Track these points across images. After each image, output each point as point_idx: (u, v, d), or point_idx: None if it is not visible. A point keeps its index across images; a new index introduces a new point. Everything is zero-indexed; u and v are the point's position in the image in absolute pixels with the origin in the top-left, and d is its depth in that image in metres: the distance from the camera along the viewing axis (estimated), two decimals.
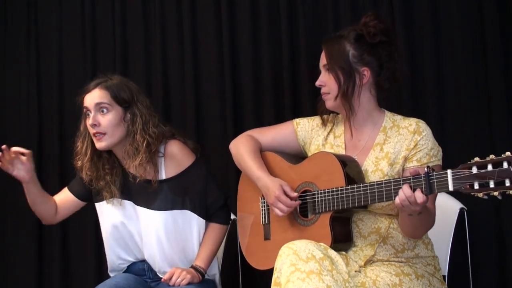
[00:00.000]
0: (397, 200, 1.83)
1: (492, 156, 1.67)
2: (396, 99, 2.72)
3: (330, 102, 2.14)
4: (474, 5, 2.69)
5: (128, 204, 2.41)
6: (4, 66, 3.51)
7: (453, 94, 2.70)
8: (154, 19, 3.23)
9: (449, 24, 2.73)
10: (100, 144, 2.31)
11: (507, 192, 1.63)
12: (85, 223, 2.93)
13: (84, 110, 2.34)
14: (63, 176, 3.31)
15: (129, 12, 3.28)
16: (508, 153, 1.64)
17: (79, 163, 2.40)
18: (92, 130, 2.30)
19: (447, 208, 2.42)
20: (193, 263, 2.39)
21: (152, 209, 2.36)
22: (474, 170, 1.68)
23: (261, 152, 2.32)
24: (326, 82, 2.13)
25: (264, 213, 2.28)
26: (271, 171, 2.24)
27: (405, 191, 1.80)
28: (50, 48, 3.41)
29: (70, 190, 2.51)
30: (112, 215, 2.43)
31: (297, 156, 2.28)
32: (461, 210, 2.41)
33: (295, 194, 2.12)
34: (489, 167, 1.65)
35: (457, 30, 2.71)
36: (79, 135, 2.42)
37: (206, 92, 3.12)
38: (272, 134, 2.34)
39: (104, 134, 2.29)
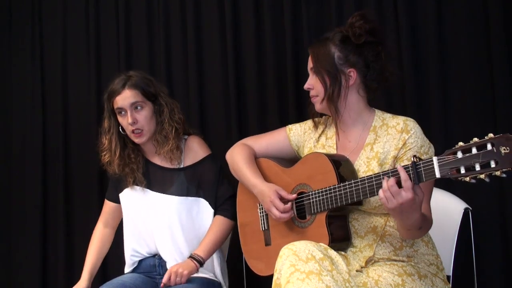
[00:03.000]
0: (380, 193, 1.80)
1: (475, 139, 1.66)
2: (400, 99, 2.71)
3: (317, 104, 2.14)
4: (478, 2, 2.67)
5: (149, 192, 2.50)
6: (9, 65, 3.55)
7: (457, 92, 2.68)
8: (158, 18, 3.26)
9: (454, 22, 2.71)
10: (140, 140, 2.45)
11: (493, 174, 1.62)
12: (90, 223, 2.93)
13: (117, 110, 2.46)
14: (67, 175, 3.33)
15: (133, 11, 3.32)
16: (491, 135, 1.63)
17: (107, 158, 2.52)
18: (130, 128, 2.43)
19: (452, 208, 2.41)
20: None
21: (167, 194, 2.47)
22: (459, 155, 1.67)
23: (256, 159, 2.34)
24: (313, 85, 2.13)
25: (263, 219, 2.29)
26: (266, 177, 2.26)
27: (388, 182, 1.78)
28: (55, 47, 3.46)
29: (110, 200, 2.65)
30: (129, 204, 2.53)
31: (292, 160, 2.28)
32: (466, 210, 2.39)
33: (292, 196, 2.12)
34: (474, 151, 1.65)
35: (462, 28, 2.69)
36: (104, 132, 2.54)
37: (209, 92, 3.14)
38: (266, 141, 2.36)
39: (143, 130, 2.43)
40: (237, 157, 2.33)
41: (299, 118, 2.38)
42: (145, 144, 2.51)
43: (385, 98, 2.69)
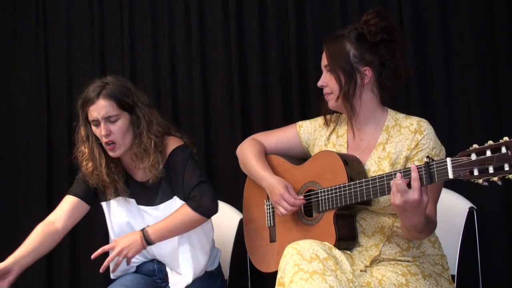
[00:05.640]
0: (392, 182, 1.80)
1: (490, 142, 1.65)
2: (404, 97, 2.71)
3: (332, 102, 2.13)
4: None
5: (133, 202, 2.42)
6: (13, 66, 3.55)
7: (462, 90, 2.68)
8: (162, 20, 3.25)
9: (458, 20, 2.70)
10: (114, 153, 2.32)
11: (506, 177, 1.62)
12: (94, 225, 2.94)
13: (92, 122, 2.32)
14: (72, 175, 3.33)
15: (137, 13, 3.31)
16: (506, 138, 1.62)
17: (92, 167, 2.36)
18: (104, 139, 2.29)
19: (456, 207, 2.40)
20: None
21: (155, 205, 2.38)
22: (473, 156, 1.67)
23: (266, 155, 2.33)
24: (328, 82, 2.11)
25: (269, 216, 2.29)
26: (276, 173, 2.24)
27: (396, 177, 1.78)
28: (59, 48, 3.45)
29: (77, 195, 2.45)
30: (117, 214, 2.43)
31: (301, 158, 2.28)
32: (471, 209, 2.39)
33: (300, 197, 2.12)
34: (488, 153, 1.65)
35: (466, 26, 2.69)
36: (82, 141, 2.39)
37: (214, 93, 3.13)
38: (276, 138, 2.35)
39: (116, 143, 2.29)
40: (247, 151, 2.32)
41: (303, 118, 2.37)
42: (123, 157, 2.39)
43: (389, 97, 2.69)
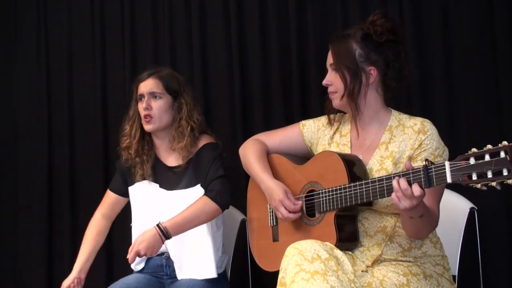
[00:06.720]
0: (393, 195, 1.80)
1: (489, 146, 1.64)
2: (405, 98, 2.71)
3: (336, 101, 2.14)
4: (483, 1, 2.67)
5: (156, 186, 2.54)
6: (14, 66, 3.55)
7: (462, 92, 2.68)
8: (163, 19, 3.25)
9: (458, 20, 2.71)
10: (148, 126, 2.54)
11: (505, 182, 1.60)
12: None
13: (139, 96, 2.58)
14: (73, 175, 3.34)
15: (138, 13, 3.32)
16: (504, 143, 1.61)
17: (126, 143, 2.60)
18: (143, 112, 2.53)
19: (457, 207, 2.40)
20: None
21: (177, 189, 2.50)
22: (472, 161, 1.66)
23: (268, 155, 2.33)
24: (333, 81, 2.12)
25: (272, 215, 2.29)
26: (277, 173, 2.25)
27: (401, 184, 1.78)
28: (60, 48, 3.45)
29: (114, 191, 2.68)
30: (141, 198, 2.56)
31: (304, 157, 2.28)
32: (471, 209, 2.38)
33: (298, 203, 2.13)
34: (487, 157, 1.63)
35: (466, 26, 2.69)
36: (128, 119, 2.64)
37: (215, 94, 3.13)
38: (279, 137, 2.35)
39: (153, 117, 2.52)
40: (248, 152, 2.34)
41: (304, 118, 2.37)
42: (158, 137, 2.58)
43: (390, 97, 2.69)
